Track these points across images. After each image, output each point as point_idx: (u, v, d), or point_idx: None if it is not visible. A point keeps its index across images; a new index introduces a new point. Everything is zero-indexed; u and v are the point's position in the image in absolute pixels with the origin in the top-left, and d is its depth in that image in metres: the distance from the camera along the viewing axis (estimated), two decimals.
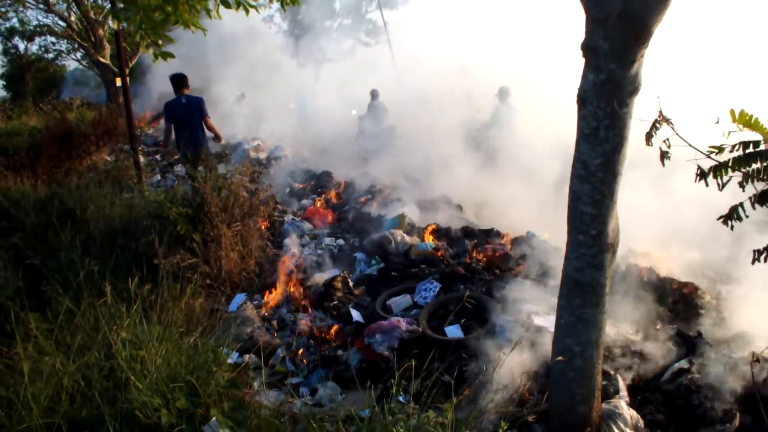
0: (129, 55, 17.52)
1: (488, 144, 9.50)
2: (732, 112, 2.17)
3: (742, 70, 8.25)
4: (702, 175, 2.33)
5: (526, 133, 8.79)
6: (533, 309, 4.14)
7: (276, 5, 4.08)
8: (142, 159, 10.60)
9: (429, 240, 6.25)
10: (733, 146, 2.25)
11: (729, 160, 2.26)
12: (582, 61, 2.47)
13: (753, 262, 2.36)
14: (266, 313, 5.02)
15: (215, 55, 20.13)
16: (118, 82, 9.16)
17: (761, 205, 2.25)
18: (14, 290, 4.28)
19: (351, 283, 5.43)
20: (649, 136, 2.48)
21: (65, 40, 25.84)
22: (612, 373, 3.41)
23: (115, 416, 2.69)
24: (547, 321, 3.79)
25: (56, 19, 21.59)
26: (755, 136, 2.23)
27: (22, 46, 29.76)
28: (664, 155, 2.41)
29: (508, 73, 11.06)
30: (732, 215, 2.33)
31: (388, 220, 6.86)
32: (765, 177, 2.23)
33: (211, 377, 3.01)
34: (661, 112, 2.44)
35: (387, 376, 3.65)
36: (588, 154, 2.50)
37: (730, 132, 2.21)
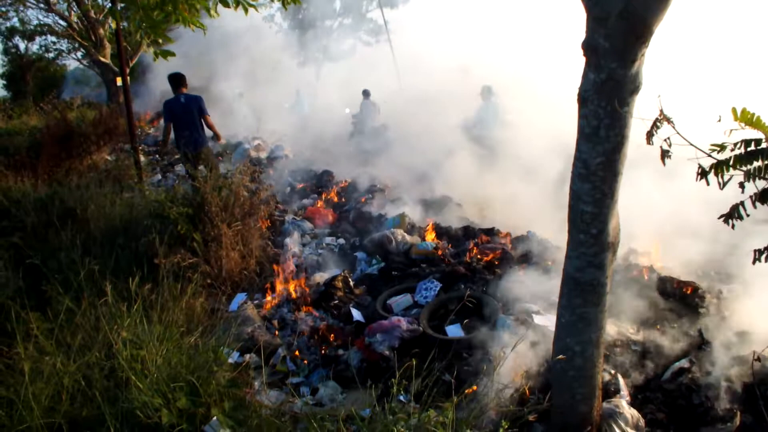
0: (129, 54, 17.52)
1: (474, 140, 9.81)
2: (734, 110, 2.17)
3: (743, 69, 8.25)
4: (703, 173, 2.32)
5: (526, 133, 8.79)
6: (534, 308, 4.14)
7: (277, 4, 4.07)
8: (142, 158, 10.60)
9: (429, 239, 6.25)
10: (735, 144, 2.24)
11: (730, 158, 2.26)
12: (582, 60, 2.46)
13: (754, 262, 2.35)
14: (267, 313, 5.02)
15: (216, 54, 20.13)
16: (119, 81, 9.17)
17: (762, 203, 2.24)
18: (15, 290, 4.27)
19: (352, 283, 5.43)
20: (650, 135, 2.48)
21: (66, 40, 25.84)
22: (613, 372, 3.42)
23: (116, 416, 2.69)
24: (548, 320, 3.79)
25: (57, 18, 21.57)
26: (757, 134, 2.23)
27: (22, 46, 29.80)
28: (664, 154, 2.41)
29: (509, 72, 11.07)
30: (733, 214, 2.33)
31: (389, 219, 6.86)
32: (766, 175, 2.23)
33: (212, 377, 3.01)
34: (662, 111, 2.43)
35: (388, 376, 3.66)
36: (589, 153, 2.50)
37: (731, 130, 2.20)
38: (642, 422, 3.04)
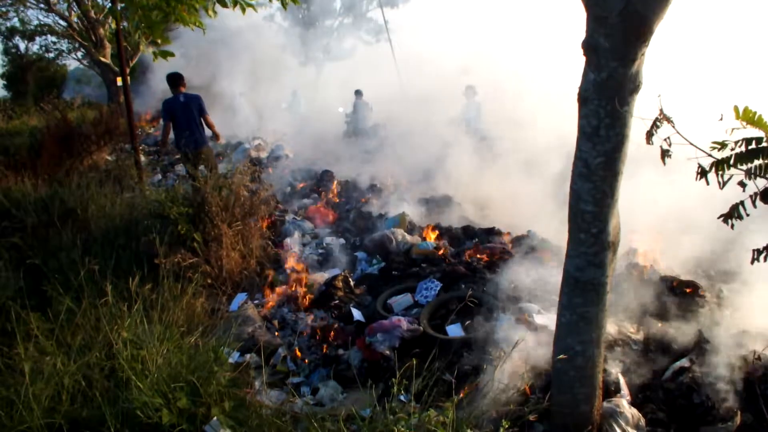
0: (130, 54, 17.53)
1: (459, 137, 10.18)
2: (736, 108, 2.16)
3: (744, 68, 8.24)
4: (702, 173, 2.32)
5: (527, 132, 8.79)
6: (534, 308, 4.14)
7: (276, 4, 4.06)
8: (142, 158, 10.60)
9: (430, 239, 6.25)
10: (736, 143, 2.24)
11: (731, 156, 2.25)
12: (583, 59, 2.46)
13: (752, 262, 2.35)
14: (267, 313, 5.02)
15: (216, 53, 20.13)
16: (119, 81, 9.17)
17: (764, 202, 2.24)
18: (15, 290, 4.27)
19: (352, 283, 5.43)
20: (649, 135, 2.47)
21: (66, 40, 25.85)
22: (613, 371, 3.41)
23: (116, 416, 2.69)
24: (549, 320, 3.78)
25: (57, 18, 21.57)
26: (758, 133, 2.23)
27: (22, 46, 29.81)
28: (664, 154, 2.40)
29: (509, 72, 11.08)
30: (732, 214, 2.33)
31: (389, 219, 6.86)
32: (767, 174, 2.22)
33: (212, 377, 3.01)
34: (662, 110, 2.43)
35: (388, 376, 3.66)
36: (589, 153, 2.50)
37: (733, 129, 2.20)
38: (643, 421, 3.04)
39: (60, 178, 7.40)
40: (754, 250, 2.34)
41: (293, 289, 5.36)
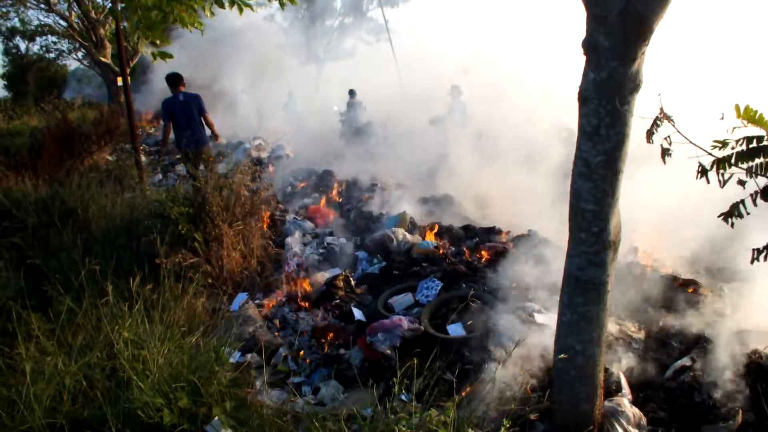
0: (130, 54, 17.54)
1: (444, 135, 10.59)
2: (737, 107, 2.16)
3: (744, 67, 8.23)
4: (703, 171, 2.32)
5: (527, 131, 8.79)
6: (535, 307, 4.14)
7: (276, 4, 4.06)
8: (143, 158, 10.60)
9: (430, 238, 6.25)
10: (737, 141, 2.24)
11: (731, 155, 2.25)
12: (583, 58, 2.46)
13: (752, 262, 2.35)
14: (268, 312, 5.02)
15: (217, 53, 20.14)
16: (120, 81, 9.17)
17: (764, 200, 2.24)
18: (16, 290, 4.28)
19: (353, 282, 5.43)
20: (650, 134, 2.47)
21: (66, 40, 25.87)
22: (614, 370, 3.41)
23: (117, 416, 2.69)
24: (549, 319, 3.78)
25: (57, 18, 21.60)
26: (759, 131, 2.23)
27: (23, 46, 29.85)
28: (665, 153, 2.40)
29: (509, 71, 11.08)
30: (733, 212, 2.32)
31: (390, 218, 6.86)
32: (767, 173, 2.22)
33: (213, 377, 3.01)
34: (662, 109, 2.43)
35: (389, 375, 3.66)
36: (589, 152, 2.50)
37: (734, 128, 2.20)
38: (644, 421, 3.04)
39: (60, 178, 7.41)
40: (753, 250, 2.34)
41: (293, 288, 5.37)
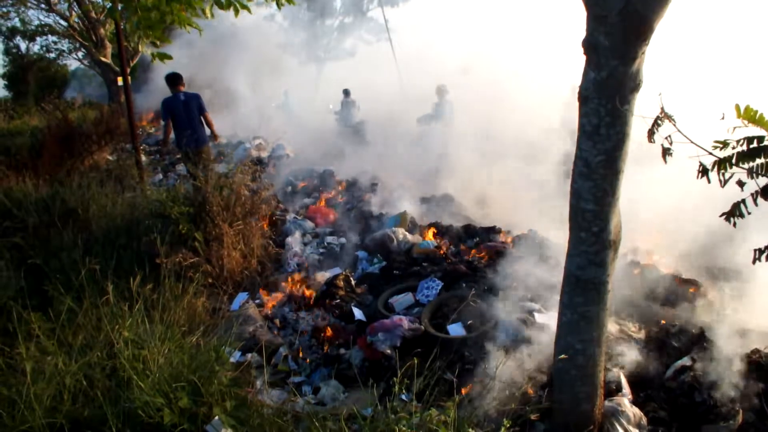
0: (130, 54, 17.55)
1: (431, 133, 11.01)
2: (737, 107, 2.16)
3: (745, 66, 8.22)
4: (704, 171, 2.32)
5: (527, 131, 8.79)
6: (535, 306, 4.14)
7: (275, 4, 4.05)
8: (143, 158, 10.60)
9: (429, 238, 6.25)
10: (738, 141, 2.24)
11: (732, 155, 2.25)
12: (583, 58, 2.46)
13: (754, 262, 2.35)
14: (269, 312, 5.03)
15: (219, 52, 20.15)
16: (120, 81, 9.17)
17: (765, 199, 2.24)
18: (16, 290, 4.28)
19: (353, 282, 5.43)
20: (651, 133, 2.47)
21: (67, 40, 25.89)
22: (614, 370, 3.41)
23: (118, 416, 2.69)
24: (550, 318, 3.78)
25: (57, 18, 21.61)
26: (760, 131, 2.22)
27: (23, 46, 29.88)
28: (666, 152, 2.40)
29: (509, 70, 11.08)
30: (734, 212, 2.32)
31: (390, 218, 6.85)
32: None
33: (214, 376, 3.01)
34: (663, 108, 2.43)
35: (389, 375, 3.65)
36: (589, 152, 2.50)
37: (735, 128, 2.20)
38: (644, 420, 3.04)
39: (61, 178, 7.41)
40: (755, 250, 2.34)
41: (294, 288, 5.37)
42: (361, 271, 5.87)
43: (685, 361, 3.47)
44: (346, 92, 14.98)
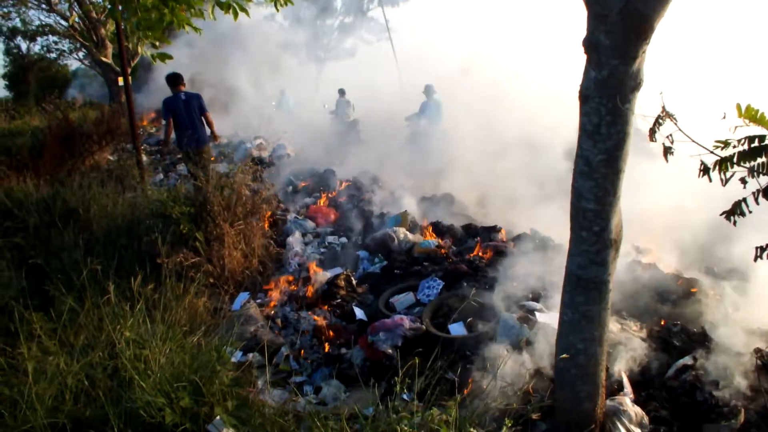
0: (131, 54, 17.54)
1: (418, 132, 11.64)
2: (738, 106, 2.16)
3: (746, 66, 8.22)
4: (705, 170, 2.32)
5: (528, 130, 8.79)
6: (536, 306, 4.14)
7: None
8: (144, 158, 10.59)
9: (431, 237, 6.25)
10: (739, 140, 2.24)
11: (734, 154, 2.25)
12: (584, 57, 2.46)
13: (755, 260, 2.35)
14: (270, 312, 5.03)
15: (216, 52, 20.16)
16: (121, 81, 9.17)
17: (766, 198, 2.24)
18: (18, 290, 4.29)
19: (354, 281, 5.43)
20: (652, 132, 2.47)
21: (67, 40, 25.91)
22: (616, 369, 3.41)
23: (119, 415, 2.70)
24: (551, 318, 3.78)
25: (58, 18, 21.62)
26: (761, 131, 2.22)
27: (24, 46, 29.90)
28: (667, 151, 2.40)
29: (510, 70, 11.08)
30: (735, 211, 2.32)
31: (391, 217, 6.85)
32: None
33: (215, 376, 3.01)
34: (664, 107, 2.43)
35: (391, 374, 3.65)
36: (590, 151, 2.50)
37: (736, 127, 2.20)
38: (646, 419, 3.04)
39: (62, 178, 7.42)
40: (757, 248, 2.34)
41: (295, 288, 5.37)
42: (362, 270, 5.87)
43: (687, 360, 3.46)
44: (341, 92, 15.27)
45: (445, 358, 3.54)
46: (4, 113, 18.59)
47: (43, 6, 20.21)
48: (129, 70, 9.25)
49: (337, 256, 6.39)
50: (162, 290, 3.78)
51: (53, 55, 29.45)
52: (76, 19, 20.04)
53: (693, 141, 2.25)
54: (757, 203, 2.26)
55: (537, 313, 3.99)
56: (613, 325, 3.68)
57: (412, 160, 9.71)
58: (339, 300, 5.12)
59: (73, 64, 32.86)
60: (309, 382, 4.06)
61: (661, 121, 2.43)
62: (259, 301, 5.21)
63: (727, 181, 2.27)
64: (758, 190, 2.25)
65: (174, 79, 7.57)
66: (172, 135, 7.79)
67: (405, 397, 2.91)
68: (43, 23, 25.34)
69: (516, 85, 10.61)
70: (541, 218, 6.07)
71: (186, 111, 7.48)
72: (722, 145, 2.25)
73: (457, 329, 4.24)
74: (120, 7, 3.39)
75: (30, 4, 20.64)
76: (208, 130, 7.79)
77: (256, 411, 2.97)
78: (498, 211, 7.44)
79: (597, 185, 2.53)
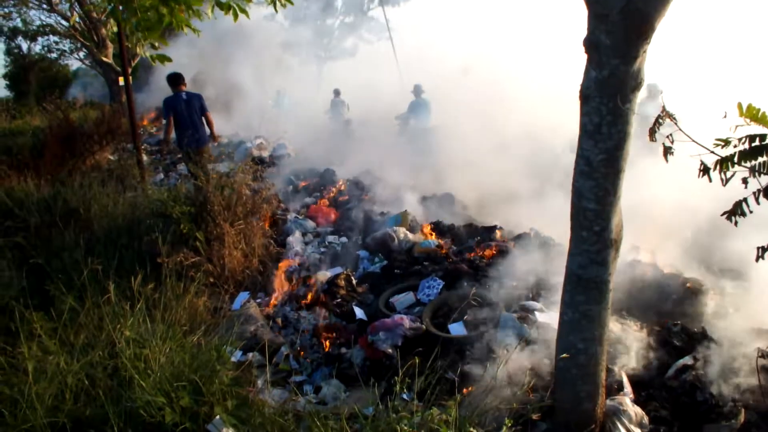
0: (131, 54, 17.53)
1: (408, 130, 12.09)
2: (739, 105, 2.16)
3: (747, 65, 8.21)
4: (705, 170, 2.31)
5: (528, 130, 8.79)
6: (537, 305, 4.13)
7: (278, 4, 4.05)
8: (145, 158, 10.60)
9: (431, 237, 6.24)
10: (739, 140, 2.23)
11: (734, 154, 2.25)
12: (584, 57, 2.46)
13: (757, 260, 2.35)
14: (270, 311, 5.03)
15: (217, 52, 20.18)
16: (122, 81, 9.18)
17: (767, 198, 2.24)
18: (18, 289, 4.29)
19: (354, 281, 5.43)
20: (652, 132, 2.47)
21: (68, 40, 25.94)
22: (616, 369, 3.40)
23: (119, 415, 2.70)
24: (551, 317, 3.78)
25: (59, 18, 21.65)
26: (762, 130, 2.22)
27: (25, 46, 29.93)
28: (667, 151, 2.40)
29: (511, 69, 11.08)
30: (736, 211, 2.32)
31: (391, 217, 6.85)
32: None
33: (215, 376, 3.01)
34: (664, 107, 2.43)
35: (391, 374, 3.65)
36: (591, 151, 2.49)
37: (737, 126, 2.19)
38: (646, 419, 3.03)
39: (62, 177, 7.42)
40: (758, 248, 2.34)
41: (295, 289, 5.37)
42: (363, 270, 5.87)
43: (687, 360, 3.46)
44: (336, 92, 15.44)
45: (445, 358, 3.54)
46: (5, 113, 18.62)
47: (44, 6, 20.24)
48: (129, 70, 9.25)
49: (338, 255, 6.39)
50: (162, 290, 3.78)
51: (54, 55, 29.55)
52: (77, 19, 20.05)
53: (693, 141, 2.25)
54: (758, 203, 2.26)
55: (537, 313, 3.99)
56: (613, 325, 3.68)
57: (410, 158, 9.72)
58: (339, 300, 5.12)
59: (73, 64, 32.92)
60: (309, 382, 4.06)
61: (661, 120, 2.43)
62: (259, 300, 5.21)
63: (727, 181, 2.27)
64: (759, 190, 2.25)
65: (175, 79, 7.61)
66: (173, 134, 7.81)
67: (405, 396, 2.91)
68: (44, 23, 25.42)
69: (517, 84, 10.60)
70: (541, 218, 6.07)
71: (187, 111, 7.53)
72: (722, 144, 2.24)
73: (457, 329, 4.23)
74: (120, 7, 3.39)
75: (31, 5, 20.68)
76: (208, 130, 7.82)
77: (256, 410, 2.97)
78: (499, 211, 7.44)
79: (597, 185, 2.52)
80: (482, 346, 3.78)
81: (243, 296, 5.17)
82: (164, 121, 8.10)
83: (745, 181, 2.25)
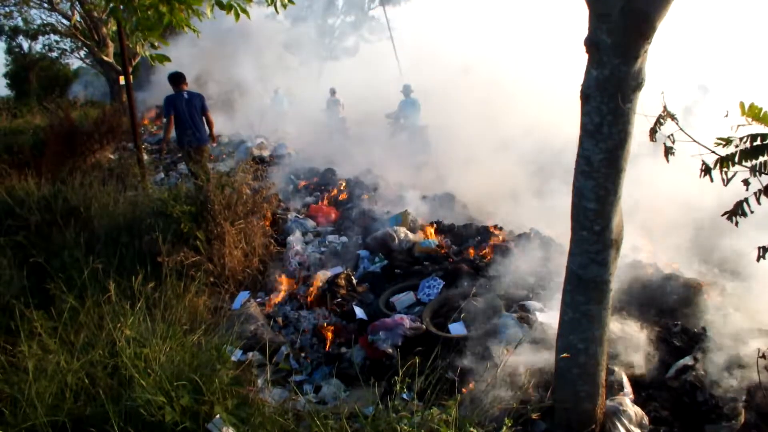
0: (132, 53, 17.54)
1: (398, 129, 12.54)
2: (741, 105, 2.16)
3: (749, 65, 8.20)
4: (706, 170, 2.31)
5: (528, 130, 8.78)
6: (537, 305, 4.13)
7: (278, 3, 4.04)
8: (145, 157, 10.60)
9: (432, 237, 6.24)
10: (741, 139, 2.23)
11: (735, 153, 2.25)
12: (585, 56, 2.45)
13: (758, 260, 2.34)
14: (270, 311, 5.03)
15: (218, 52, 20.18)
16: (122, 80, 9.18)
17: None
18: (19, 288, 4.29)
19: (354, 281, 5.42)
20: (653, 132, 2.47)
21: (69, 39, 25.94)
22: (616, 369, 3.40)
23: (119, 414, 2.70)
24: (551, 317, 3.78)
25: (60, 17, 21.67)
26: (764, 129, 2.22)
27: (26, 45, 29.93)
28: (668, 151, 2.40)
29: (511, 69, 11.08)
30: (737, 211, 2.32)
31: (391, 217, 6.85)
32: None
33: (215, 375, 3.01)
34: (665, 107, 2.42)
35: (391, 374, 3.65)
36: (591, 150, 2.49)
37: (738, 125, 2.19)
38: (646, 420, 3.03)
39: (63, 176, 7.41)
40: (759, 248, 2.33)
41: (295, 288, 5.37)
42: (363, 270, 5.87)
43: (688, 360, 3.46)
44: (332, 91, 15.63)
45: (445, 358, 3.54)
46: (5, 112, 18.62)
47: (45, 5, 20.24)
48: (130, 69, 9.26)
49: (338, 255, 6.39)
50: (162, 289, 3.78)
51: (55, 54, 29.56)
52: (78, 18, 20.06)
53: (694, 140, 2.25)
54: (759, 203, 2.25)
55: (537, 313, 3.99)
56: (613, 325, 3.67)
57: (408, 158, 9.74)
58: (339, 299, 5.12)
59: (74, 63, 32.92)
60: (309, 381, 4.06)
61: (662, 120, 2.43)
62: (259, 299, 5.21)
63: (728, 180, 2.27)
64: (760, 190, 2.24)
65: (176, 78, 7.63)
66: (172, 133, 7.83)
67: (405, 396, 2.91)
68: (45, 22, 25.40)
69: (517, 84, 10.61)
70: (542, 218, 6.06)
71: (188, 110, 7.55)
72: (724, 143, 2.24)
73: (457, 329, 4.23)
74: (120, 7, 3.38)
75: (32, 4, 20.70)
76: (208, 130, 7.84)
77: (256, 410, 2.97)
78: (499, 211, 7.44)
79: (598, 185, 2.52)
80: (482, 346, 3.78)
81: (243, 295, 5.17)
82: (164, 120, 8.11)
83: (746, 182, 2.25)
